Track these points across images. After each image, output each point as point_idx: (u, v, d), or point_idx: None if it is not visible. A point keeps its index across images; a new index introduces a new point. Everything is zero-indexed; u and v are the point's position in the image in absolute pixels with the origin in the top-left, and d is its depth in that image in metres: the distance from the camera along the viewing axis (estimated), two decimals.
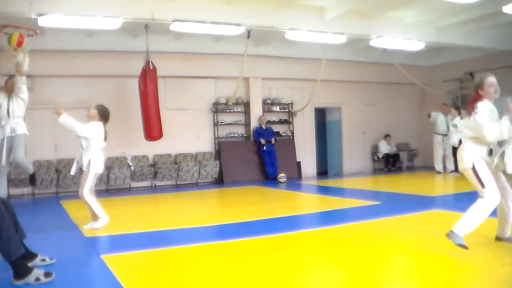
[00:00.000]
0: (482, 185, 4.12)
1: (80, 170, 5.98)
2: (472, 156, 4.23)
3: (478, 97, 4.43)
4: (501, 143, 4.37)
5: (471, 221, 4.14)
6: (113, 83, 10.98)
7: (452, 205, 7.34)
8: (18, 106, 6.58)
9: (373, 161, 14.38)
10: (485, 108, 4.33)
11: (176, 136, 11.50)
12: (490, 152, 4.32)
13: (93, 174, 5.86)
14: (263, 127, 12.14)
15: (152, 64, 9.74)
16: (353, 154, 13.98)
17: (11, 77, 6.42)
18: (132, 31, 10.04)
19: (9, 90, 6.25)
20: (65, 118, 5.76)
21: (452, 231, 4.19)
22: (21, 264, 3.67)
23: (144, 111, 9.87)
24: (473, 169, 4.18)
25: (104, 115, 6.23)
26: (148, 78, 9.72)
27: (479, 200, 4.14)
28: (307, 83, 12.63)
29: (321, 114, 14.28)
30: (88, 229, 5.77)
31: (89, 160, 5.84)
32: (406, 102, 14.55)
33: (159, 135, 10.05)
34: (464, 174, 4.31)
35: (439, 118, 12.18)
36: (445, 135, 12.11)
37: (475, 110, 4.32)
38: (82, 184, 5.81)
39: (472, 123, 4.29)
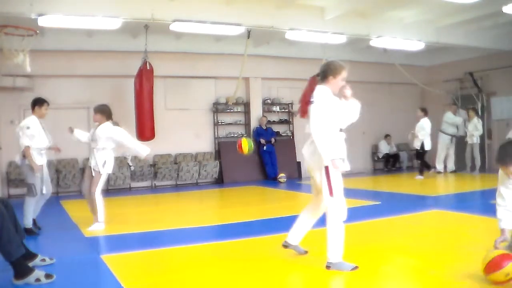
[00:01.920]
0: None
1: (90, 169, 6.07)
2: None
3: None
4: None
5: (335, 243, 3.91)
6: (113, 83, 10.98)
7: (452, 205, 7.35)
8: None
9: (373, 161, 14.38)
10: None
11: (176, 136, 11.50)
12: None
13: (106, 174, 6.01)
14: (263, 127, 12.14)
15: (150, 64, 9.71)
16: (353, 154, 13.87)
17: (44, 102, 5.99)
18: (132, 31, 10.03)
19: (42, 115, 6.05)
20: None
21: (329, 264, 3.86)
22: (21, 264, 3.67)
23: (137, 110, 9.85)
24: None
25: (107, 113, 6.27)
26: (144, 78, 9.70)
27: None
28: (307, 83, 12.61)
29: None
30: (91, 231, 5.77)
31: (105, 161, 6.00)
32: (406, 102, 14.54)
33: (152, 136, 10.01)
34: None
35: (451, 118, 11.86)
36: (453, 136, 11.92)
37: None
38: (95, 184, 5.90)
39: None
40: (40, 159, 5.82)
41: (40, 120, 5.93)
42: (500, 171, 3.50)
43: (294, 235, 4.28)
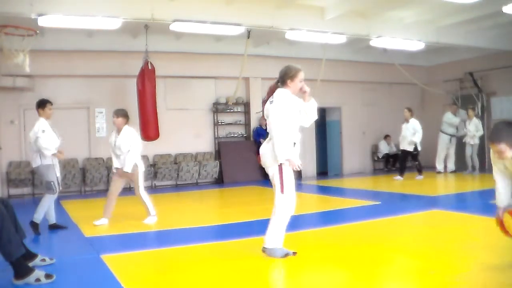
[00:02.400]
0: None
1: (119, 170, 6.31)
2: None
3: None
4: None
5: (275, 232, 4.17)
6: (113, 83, 10.98)
7: (452, 205, 7.35)
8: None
9: (373, 161, 14.37)
10: None
11: (176, 136, 11.50)
12: None
13: (142, 172, 6.35)
14: (264, 127, 12.11)
15: (151, 64, 9.72)
16: (353, 154, 13.97)
17: (47, 102, 6.04)
18: (132, 31, 10.03)
19: (48, 115, 6.03)
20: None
21: (264, 248, 4.17)
22: (21, 264, 3.68)
23: (141, 111, 9.85)
24: None
25: (128, 118, 6.54)
26: (146, 78, 9.70)
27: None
28: (307, 83, 12.51)
29: (321, 114, 14.24)
30: (147, 223, 6.22)
31: (136, 163, 6.25)
32: (406, 102, 14.49)
33: (156, 136, 10.02)
34: None
35: (450, 118, 11.93)
36: (453, 135, 12.01)
37: None
38: (136, 184, 6.29)
39: None
40: (53, 159, 5.99)
41: (48, 121, 6.05)
42: (491, 151, 3.58)
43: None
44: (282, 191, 4.10)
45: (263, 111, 4.44)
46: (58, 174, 6.09)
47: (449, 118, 11.90)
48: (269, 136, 4.21)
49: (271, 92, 4.39)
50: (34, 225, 5.73)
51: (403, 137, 11.03)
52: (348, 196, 8.44)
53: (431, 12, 10.06)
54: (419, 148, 10.94)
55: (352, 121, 13.95)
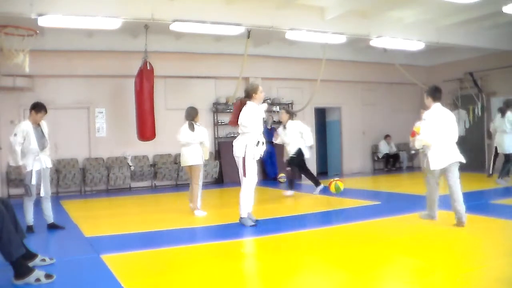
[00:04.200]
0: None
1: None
2: None
3: None
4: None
5: (244, 205, 5.80)
6: (113, 83, 10.99)
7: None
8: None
9: (373, 161, 14.38)
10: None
11: (176, 136, 11.48)
12: None
13: (201, 165, 6.96)
14: (268, 127, 12.08)
15: (150, 64, 9.72)
16: (353, 154, 13.98)
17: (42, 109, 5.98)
18: (132, 31, 10.03)
19: (36, 121, 5.94)
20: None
21: (241, 218, 5.84)
22: (21, 264, 3.68)
23: (138, 111, 9.85)
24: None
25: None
26: (144, 78, 9.70)
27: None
28: (307, 83, 12.63)
29: (321, 114, 14.27)
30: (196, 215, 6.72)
31: (197, 154, 6.88)
32: (406, 102, 14.54)
33: (152, 136, 10.01)
34: None
35: None
36: None
37: None
38: (196, 177, 6.87)
39: None
40: (32, 164, 5.86)
41: (35, 125, 5.96)
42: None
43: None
44: (244, 174, 5.74)
45: (232, 121, 6.05)
46: (45, 179, 6.02)
47: None
48: (239, 136, 5.84)
49: (240, 105, 5.87)
50: (29, 228, 5.79)
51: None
52: (348, 196, 8.43)
53: (431, 12, 10.06)
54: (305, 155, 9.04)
55: (352, 121, 13.96)
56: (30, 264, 3.90)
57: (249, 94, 5.88)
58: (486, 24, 10.78)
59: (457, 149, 5.56)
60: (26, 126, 5.88)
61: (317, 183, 9.03)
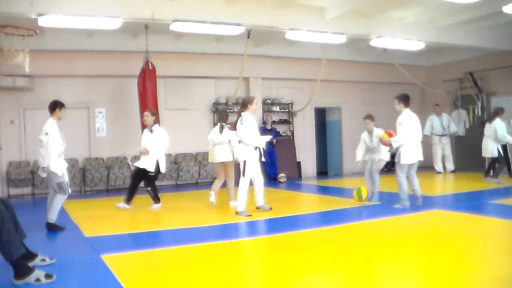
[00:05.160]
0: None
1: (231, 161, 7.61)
2: None
3: None
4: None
5: (240, 200, 6.54)
6: (113, 83, 10.99)
7: (452, 205, 7.35)
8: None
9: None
10: None
11: (176, 136, 11.47)
12: None
13: (232, 162, 7.61)
14: (268, 127, 12.08)
15: (151, 64, 9.73)
16: (353, 154, 13.88)
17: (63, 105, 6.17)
18: (132, 31, 10.03)
19: (60, 117, 6.12)
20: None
21: (237, 212, 6.58)
22: (21, 264, 3.68)
23: (142, 110, 9.84)
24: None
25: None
26: (147, 78, 9.70)
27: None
28: (307, 83, 12.63)
29: (321, 114, 14.27)
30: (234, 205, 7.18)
31: (227, 152, 7.56)
32: None
33: None
34: None
35: (435, 120, 12.29)
36: (441, 135, 12.22)
37: None
38: (229, 172, 7.60)
39: None
40: (60, 164, 6.01)
41: (58, 122, 6.07)
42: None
43: (258, 199, 6.90)
44: (243, 175, 6.51)
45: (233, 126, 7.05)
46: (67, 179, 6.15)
47: (431, 119, 12.32)
48: (241, 142, 6.64)
49: (238, 115, 6.82)
50: (52, 226, 5.88)
51: None
52: (348, 196, 8.43)
53: (431, 12, 10.06)
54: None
55: (352, 121, 13.94)
56: (30, 264, 3.90)
57: (245, 105, 6.68)
58: (486, 24, 10.78)
59: (421, 148, 7.00)
60: (54, 124, 5.98)
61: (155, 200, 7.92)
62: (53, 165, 5.90)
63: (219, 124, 7.78)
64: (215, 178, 8.20)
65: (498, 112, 9.71)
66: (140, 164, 7.69)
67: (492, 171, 9.71)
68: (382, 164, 7.46)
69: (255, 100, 6.76)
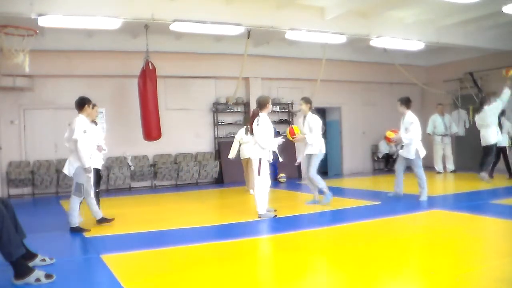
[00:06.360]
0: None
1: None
2: None
3: None
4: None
5: (261, 202, 6.44)
6: (113, 83, 10.99)
7: (452, 205, 7.35)
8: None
9: (373, 161, 14.37)
10: None
11: (176, 136, 11.50)
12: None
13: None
14: None
15: (152, 64, 9.72)
16: (353, 154, 13.98)
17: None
18: (132, 31, 10.03)
19: (90, 114, 6.05)
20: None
21: (260, 215, 6.44)
22: (21, 264, 3.68)
23: (143, 111, 9.86)
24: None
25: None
26: (147, 78, 9.70)
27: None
28: (307, 83, 12.62)
29: (321, 114, 14.24)
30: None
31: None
32: None
33: (158, 135, 10.03)
34: None
35: (437, 120, 12.25)
36: (443, 135, 12.20)
37: None
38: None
39: None
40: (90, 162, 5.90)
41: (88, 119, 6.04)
42: None
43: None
44: (258, 173, 6.41)
45: (250, 130, 6.78)
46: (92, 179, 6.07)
47: (433, 119, 12.27)
48: (254, 142, 6.57)
49: (254, 116, 6.60)
50: (77, 229, 5.73)
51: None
52: (348, 196, 8.44)
53: (431, 12, 10.06)
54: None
55: (352, 121, 13.96)
56: (30, 264, 3.90)
57: (261, 106, 6.62)
58: (486, 24, 10.78)
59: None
60: (87, 121, 5.92)
61: None
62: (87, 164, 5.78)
63: (245, 126, 8.92)
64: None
65: (483, 101, 9.89)
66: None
67: (484, 166, 9.74)
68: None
69: (269, 100, 6.75)
